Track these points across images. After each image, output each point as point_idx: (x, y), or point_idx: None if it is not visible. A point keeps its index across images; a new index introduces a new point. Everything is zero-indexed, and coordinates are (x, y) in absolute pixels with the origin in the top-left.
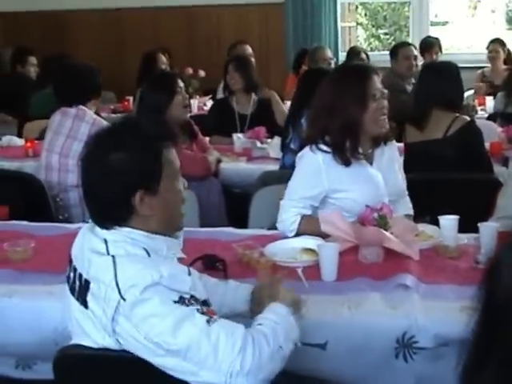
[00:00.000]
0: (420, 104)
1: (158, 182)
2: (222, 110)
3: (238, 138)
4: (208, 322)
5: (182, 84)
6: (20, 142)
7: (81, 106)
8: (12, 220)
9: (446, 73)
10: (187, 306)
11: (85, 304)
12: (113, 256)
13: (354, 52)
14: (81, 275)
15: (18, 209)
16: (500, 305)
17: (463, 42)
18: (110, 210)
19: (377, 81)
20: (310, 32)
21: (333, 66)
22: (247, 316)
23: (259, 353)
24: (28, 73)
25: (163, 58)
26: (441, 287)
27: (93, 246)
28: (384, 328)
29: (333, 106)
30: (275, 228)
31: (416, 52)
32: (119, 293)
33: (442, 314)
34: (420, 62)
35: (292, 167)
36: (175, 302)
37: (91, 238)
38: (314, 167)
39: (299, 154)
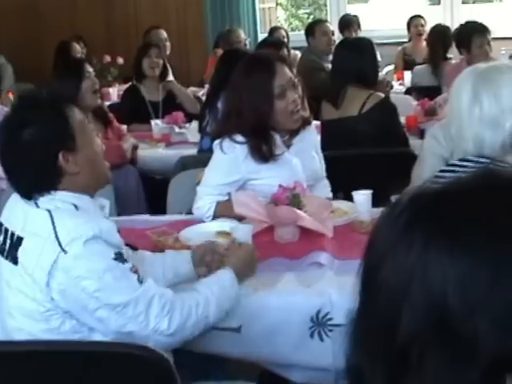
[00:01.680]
0: (335, 81)
1: (73, 139)
2: (133, 97)
3: (157, 125)
4: (140, 281)
5: (90, 69)
6: None
7: None
8: None
9: (360, 49)
10: (123, 263)
11: (15, 260)
12: (48, 210)
13: (273, 32)
14: (13, 233)
15: None
16: (373, 266)
17: (383, 19)
18: (38, 181)
19: (285, 73)
20: (229, 14)
21: (248, 47)
22: (192, 278)
23: (186, 318)
24: None
25: (77, 47)
26: (354, 262)
27: (22, 205)
28: (298, 307)
29: (241, 107)
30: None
31: (332, 28)
32: (60, 246)
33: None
34: (338, 39)
35: (209, 150)
36: (113, 258)
37: (20, 199)
38: (232, 157)
39: (216, 142)
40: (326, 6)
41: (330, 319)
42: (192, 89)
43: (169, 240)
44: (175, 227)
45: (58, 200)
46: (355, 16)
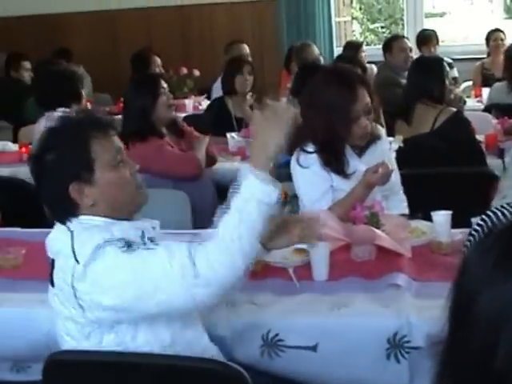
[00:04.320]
0: (406, 98)
1: (90, 171)
2: (219, 111)
3: (233, 138)
4: (150, 249)
5: (165, 84)
6: (14, 147)
7: (65, 110)
8: (4, 227)
9: (427, 67)
10: (131, 246)
11: (52, 283)
12: (71, 231)
13: (350, 47)
14: (52, 260)
15: (11, 215)
16: (462, 304)
17: (460, 33)
18: (56, 206)
19: (364, 98)
20: (304, 28)
21: (323, 61)
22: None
23: (212, 253)
24: (22, 77)
25: (158, 60)
26: (434, 285)
27: (57, 230)
28: (374, 328)
29: (316, 123)
30: None
31: (410, 44)
32: (74, 257)
33: (435, 312)
34: (416, 55)
35: (285, 165)
36: (123, 251)
37: (57, 226)
38: (314, 168)
39: (292, 161)
40: (402, 20)
41: (408, 342)
42: None
43: None
44: None
45: (88, 220)
46: (433, 31)
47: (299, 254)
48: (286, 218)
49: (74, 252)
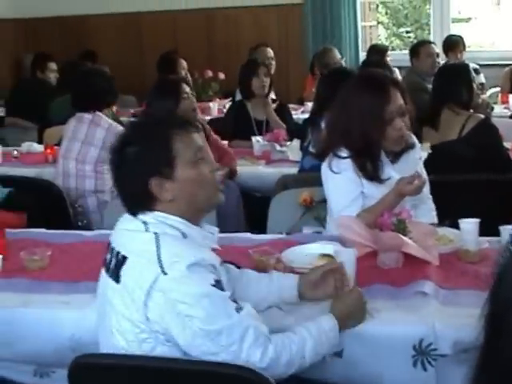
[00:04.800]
0: (432, 104)
1: (171, 167)
2: (239, 114)
3: (258, 141)
4: (238, 310)
5: (187, 89)
6: (40, 148)
7: (96, 112)
8: (30, 227)
9: (454, 73)
10: (222, 290)
11: (117, 279)
12: (155, 233)
13: (375, 50)
14: (118, 253)
15: (37, 216)
16: (499, 312)
17: (486, 39)
18: (134, 198)
19: (397, 99)
20: (330, 32)
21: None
22: (296, 303)
23: (279, 355)
24: (48, 78)
25: (184, 63)
26: (461, 292)
27: (131, 227)
28: (400, 335)
29: (349, 127)
30: (294, 232)
31: (438, 50)
32: (161, 267)
33: (462, 320)
34: (443, 60)
35: (311, 170)
36: (213, 285)
37: (129, 221)
38: (346, 174)
39: (324, 166)
40: (428, 25)
41: (434, 349)
42: (292, 105)
43: (270, 260)
44: (276, 247)
45: (168, 226)
46: (460, 37)
47: (326, 260)
48: (324, 270)
49: (160, 260)
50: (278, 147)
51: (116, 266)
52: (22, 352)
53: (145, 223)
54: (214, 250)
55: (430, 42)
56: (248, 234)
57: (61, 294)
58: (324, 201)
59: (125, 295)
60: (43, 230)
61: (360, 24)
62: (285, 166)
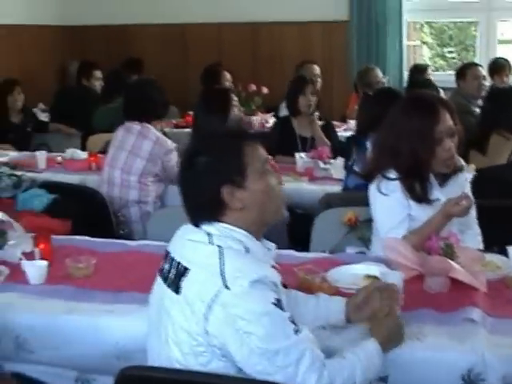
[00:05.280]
0: (481, 128)
1: (242, 176)
2: (284, 130)
3: (301, 158)
4: (296, 331)
5: (235, 98)
6: (83, 154)
7: (145, 124)
8: (74, 234)
9: (503, 98)
10: (282, 310)
11: (177, 290)
12: (219, 246)
13: (417, 70)
14: (179, 263)
15: (80, 223)
16: None
17: None
18: (203, 208)
19: (446, 119)
20: (375, 50)
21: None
22: (342, 326)
23: (333, 380)
24: (93, 86)
25: (227, 75)
26: (509, 322)
27: (194, 238)
28: (448, 363)
29: (398, 147)
30: (337, 251)
31: (484, 72)
32: (223, 281)
33: None
34: (488, 83)
35: (355, 189)
36: (273, 303)
37: (193, 232)
38: (394, 196)
39: (372, 187)
40: (472, 46)
41: (483, 380)
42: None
43: (316, 279)
44: (321, 266)
45: (231, 238)
46: (506, 60)
47: (370, 281)
48: (368, 292)
49: (223, 274)
50: (321, 164)
51: (176, 277)
52: (67, 356)
53: (209, 235)
54: (273, 267)
55: (476, 65)
56: (292, 251)
57: (105, 302)
58: (368, 221)
59: (184, 307)
60: (87, 238)
61: (405, 43)
62: (328, 184)
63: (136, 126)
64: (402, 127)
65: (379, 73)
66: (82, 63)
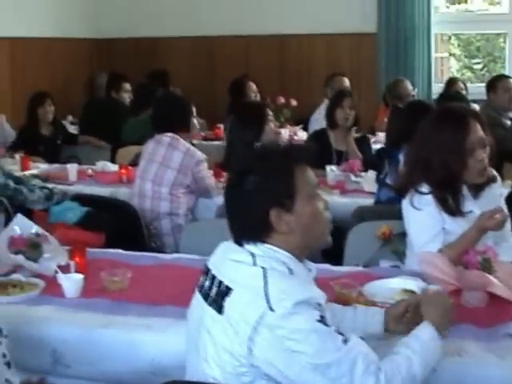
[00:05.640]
0: None
1: (291, 200)
2: (319, 142)
3: (332, 171)
4: (344, 341)
5: (270, 113)
6: (113, 167)
7: (175, 135)
8: (106, 247)
9: None
10: (327, 326)
11: (220, 309)
12: (262, 268)
13: (451, 83)
14: (221, 282)
15: (112, 236)
16: None
17: None
18: (249, 228)
19: (477, 130)
20: (403, 62)
21: (416, 97)
22: (380, 338)
23: (390, 379)
24: (121, 99)
25: (253, 86)
26: None
27: (238, 258)
28: (490, 380)
29: (430, 160)
30: (371, 265)
31: None
32: (268, 303)
33: None
34: None
35: (388, 202)
36: (318, 321)
37: (235, 251)
38: (427, 210)
39: (405, 202)
40: (501, 58)
41: None
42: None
43: (352, 293)
44: (356, 280)
45: (275, 259)
46: None
47: (408, 296)
48: (408, 304)
49: (267, 296)
50: (352, 177)
51: (218, 296)
52: (102, 371)
53: (253, 255)
54: None
55: (507, 77)
56: (327, 265)
57: (141, 316)
58: (402, 234)
59: (227, 327)
60: (120, 251)
61: (433, 55)
62: (359, 197)
63: (166, 138)
64: (434, 140)
65: (409, 85)
66: (111, 75)
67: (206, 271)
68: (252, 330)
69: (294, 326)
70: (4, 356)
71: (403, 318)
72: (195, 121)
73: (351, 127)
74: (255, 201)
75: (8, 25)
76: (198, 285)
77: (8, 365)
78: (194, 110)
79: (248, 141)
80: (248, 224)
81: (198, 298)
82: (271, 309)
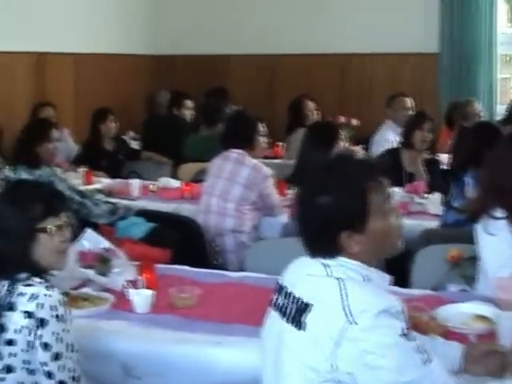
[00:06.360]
0: None
1: (363, 221)
2: (391, 162)
3: (396, 192)
4: (425, 362)
5: (342, 133)
6: (175, 183)
7: (242, 151)
8: (171, 263)
9: None
10: (409, 340)
11: (299, 326)
12: (337, 278)
13: None
14: (298, 299)
15: (177, 252)
16: None
17: None
18: (319, 245)
19: None
20: (466, 83)
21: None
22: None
23: None
24: (183, 115)
25: (311, 105)
26: None
27: (312, 271)
28: None
29: (504, 184)
30: (439, 288)
31: None
32: (349, 316)
33: None
34: None
35: (455, 225)
36: (400, 335)
37: (309, 265)
38: (501, 236)
39: (479, 228)
40: None
41: None
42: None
43: (423, 317)
44: (426, 303)
45: (350, 269)
46: None
47: (482, 322)
48: (489, 349)
49: (347, 308)
50: (417, 199)
51: (297, 313)
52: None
53: (326, 266)
54: None
55: None
56: (396, 288)
57: (212, 334)
58: (471, 259)
59: (310, 343)
60: (187, 268)
61: (498, 77)
62: (424, 219)
63: (233, 154)
64: (508, 165)
65: (478, 106)
66: (174, 93)
67: (280, 289)
68: (335, 344)
69: (377, 340)
70: (72, 371)
71: (482, 360)
72: (262, 139)
73: (424, 150)
74: (326, 222)
75: (72, 41)
76: (272, 303)
77: (75, 380)
78: (263, 129)
79: (318, 159)
80: (318, 242)
81: (273, 315)
82: (353, 322)
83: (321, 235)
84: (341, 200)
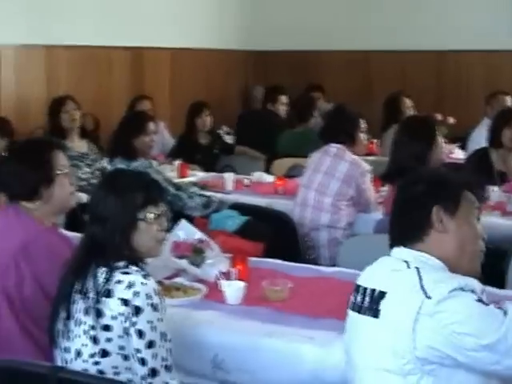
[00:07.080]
0: None
1: (455, 205)
2: (479, 162)
3: (493, 191)
4: (504, 313)
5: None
6: (269, 178)
7: (342, 146)
8: (264, 256)
9: None
10: (486, 304)
11: (375, 313)
12: (416, 268)
13: None
14: (373, 290)
15: (269, 246)
16: None
17: None
18: (409, 225)
19: None
20: None
21: None
22: None
23: None
24: (277, 111)
25: (407, 102)
26: None
27: (394, 267)
28: None
29: None
30: None
31: None
32: (424, 293)
33: None
34: None
35: None
36: (477, 300)
37: (392, 262)
38: None
39: None
40: None
41: None
42: None
43: None
44: None
45: (427, 264)
46: None
47: None
48: None
49: (423, 288)
50: None
51: (372, 302)
52: (263, 381)
53: (406, 262)
54: None
55: None
56: (493, 289)
57: (303, 328)
58: None
59: (386, 327)
60: (280, 261)
61: None
62: None
63: (332, 149)
64: None
65: None
66: (268, 88)
67: (356, 288)
68: (413, 322)
69: (454, 308)
70: (165, 360)
71: None
72: (362, 136)
73: None
74: (422, 199)
75: (169, 36)
76: (350, 303)
77: (168, 368)
78: (364, 125)
79: (417, 153)
80: (409, 221)
81: (350, 315)
82: (428, 297)
83: (413, 211)
84: (437, 187)
